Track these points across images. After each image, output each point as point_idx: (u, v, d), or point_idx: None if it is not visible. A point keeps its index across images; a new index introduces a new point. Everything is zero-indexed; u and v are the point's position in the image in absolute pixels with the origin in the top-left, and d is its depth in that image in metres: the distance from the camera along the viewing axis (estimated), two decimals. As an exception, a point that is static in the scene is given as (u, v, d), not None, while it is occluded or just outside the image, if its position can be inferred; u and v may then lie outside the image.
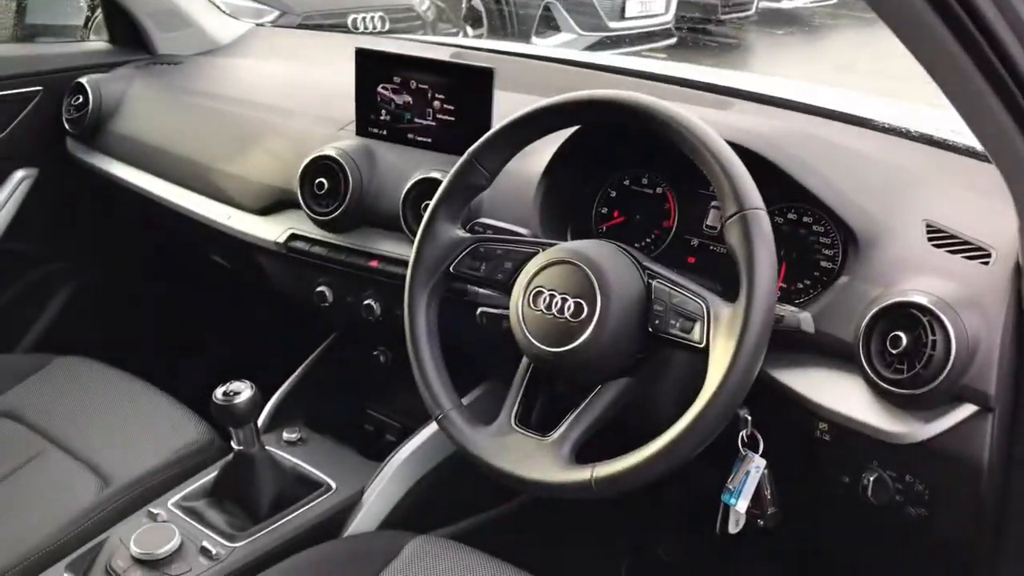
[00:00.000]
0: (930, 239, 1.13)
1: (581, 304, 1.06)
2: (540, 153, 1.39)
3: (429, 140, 1.49)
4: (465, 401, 1.44)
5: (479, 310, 1.27)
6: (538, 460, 1.05)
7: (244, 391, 1.30)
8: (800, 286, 1.24)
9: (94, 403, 1.65)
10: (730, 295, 1.03)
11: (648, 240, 1.37)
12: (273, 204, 1.56)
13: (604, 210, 1.41)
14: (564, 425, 1.07)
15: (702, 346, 1.00)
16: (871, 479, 1.09)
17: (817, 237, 1.23)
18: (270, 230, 1.56)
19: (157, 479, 1.45)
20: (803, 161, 1.21)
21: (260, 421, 1.54)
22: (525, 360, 1.13)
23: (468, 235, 1.20)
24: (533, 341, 1.08)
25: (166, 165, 1.72)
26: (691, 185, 1.33)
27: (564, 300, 1.07)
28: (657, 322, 1.05)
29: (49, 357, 1.77)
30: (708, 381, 0.97)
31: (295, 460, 1.46)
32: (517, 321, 1.10)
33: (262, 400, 1.55)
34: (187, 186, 1.69)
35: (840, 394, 1.11)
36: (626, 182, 1.40)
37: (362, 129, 1.54)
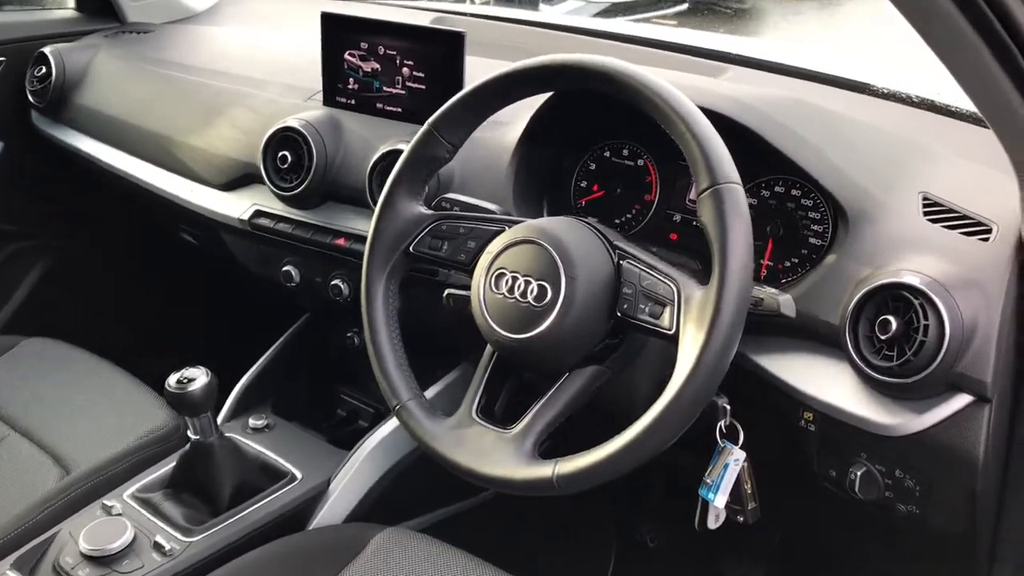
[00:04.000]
0: (926, 214, 1.04)
1: (545, 287, 0.98)
2: (514, 123, 1.30)
3: (399, 110, 1.41)
4: (436, 389, 1.39)
5: (446, 292, 1.20)
6: (498, 454, 0.98)
7: (199, 378, 1.23)
8: (788, 264, 1.15)
9: (60, 387, 1.59)
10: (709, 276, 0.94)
11: (629, 215, 1.29)
12: (238, 179, 1.49)
13: (584, 184, 1.33)
14: (527, 417, 1.00)
15: (671, 333, 0.92)
16: (858, 473, 1.02)
17: (806, 212, 1.15)
18: (234, 206, 1.48)
19: (118, 468, 1.39)
20: (791, 130, 1.12)
21: (226, 407, 1.49)
22: (489, 347, 1.05)
23: (430, 212, 1.12)
24: (494, 327, 1.01)
25: (131, 139, 1.64)
26: (673, 157, 1.24)
27: (527, 283, 0.99)
28: (626, 306, 0.97)
29: (16, 339, 1.72)
30: (676, 371, 0.89)
31: (259, 448, 1.39)
32: (478, 305, 1.03)
33: (221, 386, 1.50)
34: (152, 160, 1.61)
35: (826, 382, 1.03)
36: (606, 153, 1.31)
37: (329, 99, 1.45)
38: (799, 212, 1.15)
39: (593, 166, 1.32)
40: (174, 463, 1.32)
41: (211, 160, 1.52)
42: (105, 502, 1.28)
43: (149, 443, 1.42)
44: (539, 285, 0.98)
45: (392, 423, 1.39)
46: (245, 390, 1.50)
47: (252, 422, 1.45)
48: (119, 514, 1.25)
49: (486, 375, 1.05)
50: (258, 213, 1.45)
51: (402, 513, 1.36)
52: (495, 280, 1.01)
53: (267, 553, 1.19)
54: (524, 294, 0.99)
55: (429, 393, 1.36)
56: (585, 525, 1.69)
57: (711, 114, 1.05)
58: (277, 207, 1.44)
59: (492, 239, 1.05)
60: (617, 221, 1.30)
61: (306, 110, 1.43)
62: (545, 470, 0.94)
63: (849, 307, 0.98)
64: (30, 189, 1.87)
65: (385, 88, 1.41)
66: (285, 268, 1.45)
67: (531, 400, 1.02)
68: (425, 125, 1.09)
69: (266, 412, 1.49)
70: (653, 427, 0.89)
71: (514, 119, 1.31)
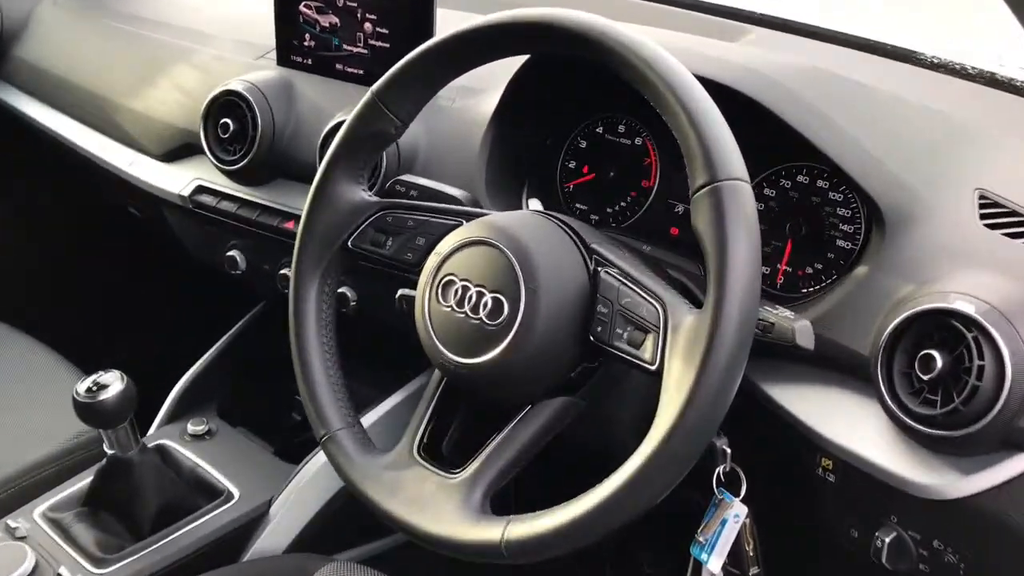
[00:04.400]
0: (983, 216, 0.84)
1: (500, 301, 0.78)
2: (490, 90, 1.10)
3: (360, 71, 1.21)
4: (381, 409, 1.20)
5: (399, 293, 1.00)
6: (439, 506, 0.80)
7: (113, 384, 1.05)
8: (810, 271, 0.95)
9: (1, 377, 1.43)
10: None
11: (623, 203, 1.09)
12: (178, 148, 1.30)
13: (572, 164, 1.13)
14: (477, 460, 0.81)
15: (653, 368, 0.73)
16: (887, 539, 0.82)
17: (834, 209, 0.94)
18: (175, 180, 1.30)
19: (37, 476, 1.23)
20: (818, 110, 0.91)
21: (164, 408, 1.32)
22: (437, 371, 0.86)
23: (373, 200, 0.93)
24: (440, 347, 0.82)
25: (71, 100, 1.46)
26: (677, 136, 1.04)
27: (480, 294, 0.80)
28: (599, 329, 0.77)
29: None
30: (658, 418, 0.70)
31: (195, 460, 1.22)
32: (422, 318, 0.83)
33: (166, 383, 1.33)
34: (93, 125, 1.42)
35: (851, 423, 0.83)
36: (599, 129, 1.11)
37: (283, 58, 1.26)
38: (825, 208, 0.94)
39: (583, 144, 1.12)
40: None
41: (150, 127, 1.33)
42: (9, 522, 1.11)
43: (76, 447, 1.26)
44: (494, 298, 0.79)
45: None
46: (186, 390, 1.33)
47: (191, 427, 1.28)
48: (22, 537, 1.09)
49: (432, 404, 0.86)
50: (200, 189, 1.26)
51: (353, 540, 1.19)
52: (442, 289, 0.82)
53: (188, 591, 1.03)
54: (476, 308, 0.79)
55: (372, 416, 1.18)
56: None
57: (718, 88, 0.84)
58: (222, 183, 1.25)
59: (443, 237, 0.86)
60: (609, 210, 1.10)
61: (256, 70, 1.24)
62: (492, 532, 0.75)
63: (883, 336, 0.77)
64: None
65: (345, 46, 1.21)
66: (230, 253, 1.26)
67: (486, 437, 0.83)
68: (367, 94, 0.89)
69: (210, 416, 1.31)
70: (629, 488, 0.70)
71: (490, 85, 1.11)
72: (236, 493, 1.17)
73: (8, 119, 1.55)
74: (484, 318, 0.79)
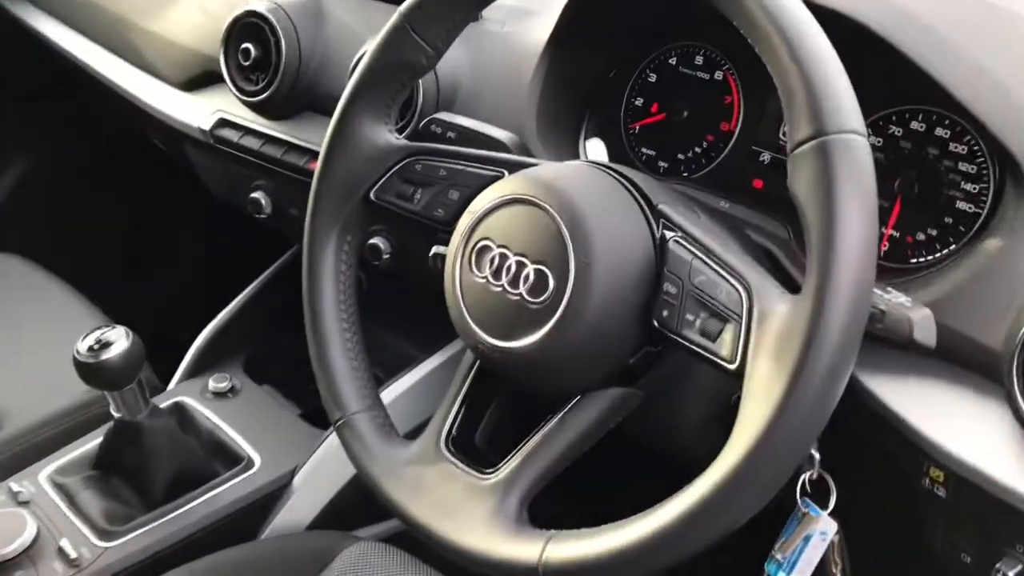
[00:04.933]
0: None
1: (545, 274, 0.64)
2: (545, 12, 0.95)
3: (400, -8, 1.05)
4: (406, 382, 1.08)
5: (432, 250, 0.87)
6: (467, 512, 0.67)
7: (118, 342, 0.95)
8: (922, 237, 0.79)
9: (17, 316, 1.35)
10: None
11: (697, 150, 0.93)
12: (200, 76, 1.17)
13: (639, 101, 0.97)
14: (515, 458, 0.68)
15: (733, 367, 0.58)
16: (1011, 572, 0.67)
17: (955, 163, 0.77)
18: (196, 112, 1.17)
19: (47, 433, 1.14)
20: (943, 39, 0.74)
21: (185, 361, 1.21)
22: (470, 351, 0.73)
23: (400, 143, 0.78)
24: (472, 325, 0.68)
25: (93, 22, 1.34)
26: (766, 71, 0.87)
27: (520, 264, 0.66)
28: (666, 313, 0.63)
29: None
30: (738, 431, 0.56)
31: (214, 420, 1.12)
32: (452, 289, 0.70)
33: (191, 332, 1.22)
34: (112, 49, 1.30)
35: (970, 429, 0.68)
36: (672, 60, 0.95)
37: (314, -25, 1.11)
38: (945, 162, 0.78)
39: (653, 77, 0.96)
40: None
41: (170, 52, 1.20)
42: (12, 485, 1.02)
43: (91, 401, 1.17)
44: (537, 270, 0.65)
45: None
46: (210, 341, 1.22)
47: (213, 384, 1.17)
48: (25, 502, 1.00)
49: (463, 388, 0.73)
50: (222, 122, 1.14)
51: (380, 513, 1.07)
52: (475, 255, 0.68)
53: (199, 570, 0.93)
54: (515, 281, 0.66)
55: (397, 388, 1.05)
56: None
57: (817, 8, 0.68)
58: (245, 116, 1.12)
59: (481, 191, 0.72)
60: (681, 157, 0.94)
61: (282, -11, 1.09)
62: (530, 549, 0.62)
63: (1021, 331, 0.62)
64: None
65: (381, -39, 1.05)
66: (254, 195, 1.14)
67: (526, 430, 0.69)
68: (394, 16, 0.75)
69: (234, 371, 1.20)
70: (699, 513, 0.57)
71: (545, 7, 0.96)
72: (257, 460, 1.07)
73: (31, 41, 1.44)
74: (525, 294, 0.65)
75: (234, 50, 1.07)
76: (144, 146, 1.41)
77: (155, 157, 1.41)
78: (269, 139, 1.09)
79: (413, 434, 0.76)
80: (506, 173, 0.74)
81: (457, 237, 0.70)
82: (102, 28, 1.30)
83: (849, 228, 0.53)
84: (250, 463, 1.06)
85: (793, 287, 0.75)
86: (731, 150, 0.91)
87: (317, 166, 0.79)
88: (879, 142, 0.81)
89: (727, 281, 0.60)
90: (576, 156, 0.96)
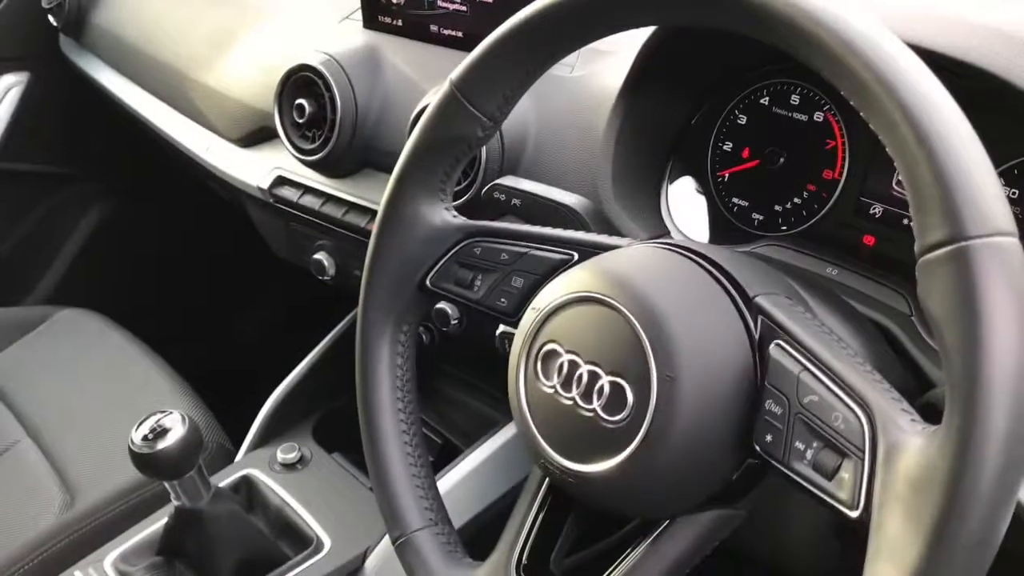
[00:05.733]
0: None
1: (622, 388, 0.55)
2: (620, 53, 0.86)
3: (459, 34, 0.98)
4: (474, 459, 0.99)
5: (499, 329, 0.78)
6: None
7: (174, 428, 0.89)
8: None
9: (86, 378, 1.33)
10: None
11: (797, 200, 0.82)
12: (256, 132, 1.11)
13: (727, 146, 0.86)
14: (601, 589, 0.59)
15: (855, 515, 0.48)
16: None
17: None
18: (253, 169, 1.11)
19: (122, 506, 1.10)
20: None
21: (252, 431, 1.16)
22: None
23: (458, 222, 0.70)
24: (541, 442, 0.59)
25: (147, 71, 1.29)
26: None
27: (594, 375, 0.56)
28: (769, 438, 0.53)
29: (51, 310, 1.46)
30: None
31: (283, 496, 1.06)
32: (516, 397, 0.61)
33: (256, 397, 1.17)
34: (168, 101, 1.25)
35: None
36: (764, 100, 0.84)
37: (370, 19, 1.04)
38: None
39: (743, 119, 0.85)
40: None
41: (225, 106, 1.14)
42: (77, 574, 0.98)
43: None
44: (612, 383, 0.55)
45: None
46: (277, 408, 1.16)
47: (281, 455, 1.11)
48: (90, 594, 0.95)
49: (535, 504, 0.64)
50: (280, 180, 1.07)
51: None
52: (541, 360, 0.59)
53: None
54: (588, 394, 0.56)
55: (462, 469, 0.97)
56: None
57: (935, 58, 0.57)
58: (305, 173, 1.05)
59: (547, 278, 0.63)
60: (778, 208, 0.83)
61: (337, 38, 1.03)
62: None
63: None
64: (67, 127, 1.56)
65: (440, 2, 0.97)
66: (317, 256, 1.07)
67: (611, 558, 0.60)
68: (444, 85, 0.66)
69: (303, 438, 1.14)
70: None
71: (620, 46, 0.86)
72: (327, 542, 1.00)
73: (94, 91, 1.41)
74: (600, 410, 0.56)
75: (288, 107, 1.01)
76: (213, 201, 1.36)
77: (218, 209, 1.36)
78: (329, 198, 1.03)
79: (480, 542, 0.68)
80: (575, 256, 0.65)
81: (520, 338, 0.61)
82: (160, 81, 1.26)
83: (1002, 358, 0.42)
84: (319, 545, 1.00)
85: (920, 376, 0.64)
86: (836, 202, 0.80)
87: (368, 250, 0.71)
88: (1015, 194, 0.69)
89: (844, 403, 0.49)
90: (658, 212, 0.86)
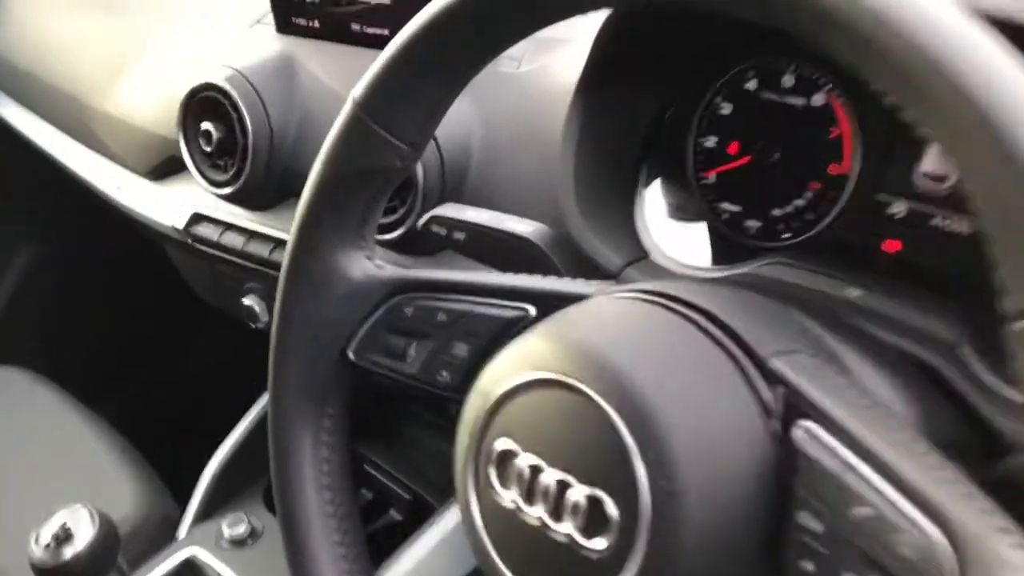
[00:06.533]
0: None
1: (601, 503, 0.41)
2: (573, 40, 0.72)
3: (385, 32, 0.83)
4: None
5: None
6: None
7: (81, 531, 0.75)
8: None
9: (12, 444, 1.19)
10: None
11: (799, 202, 0.68)
12: (166, 162, 0.96)
13: (710, 143, 0.72)
14: None
15: None
16: None
17: None
18: (167, 206, 0.97)
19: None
20: None
21: (194, 503, 1.01)
22: None
23: (384, 275, 0.55)
24: (500, 566, 0.45)
25: (45, 101, 1.14)
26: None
27: (563, 485, 0.42)
28: (810, 568, 0.39)
29: None
30: None
31: (232, 582, 0.92)
32: (467, 510, 0.47)
33: (198, 460, 1.03)
34: (71, 134, 1.10)
35: None
36: (750, 85, 0.70)
37: (283, 23, 0.89)
38: None
39: (726, 109, 0.71)
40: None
41: (129, 137, 0.99)
42: None
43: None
44: (590, 497, 0.41)
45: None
46: (223, 471, 1.02)
47: (228, 530, 0.97)
48: None
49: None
50: (197, 218, 0.93)
51: None
52: (495, 465, 0.45)
53: None
54: (557, 511, 0.42)
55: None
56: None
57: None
58: (224, 207, 0.91)
59: (497, 343, 0.49)
60: (776, 213, 0.69)
61: (247, 47, 0.88)
62: None
63: None
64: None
65: (359, -2, 0.83)
66: (247, 301, 0.92)
67: None
68: (345, 107, 0.52)
69: (252, 505, 1.00)
70: None
71: (575, 33, 0.72)
72: (283, 635, 0.86)
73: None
74: (576, 533, 0.41)
75: (194, 133, 0.86)
76: (141, 239, 1.21)
77: (140, 250, 1.21)
78: (253, 235, 0.88)
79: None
80: (531, 311, 0.50)
81: (466, 430, 0.46)
82: (60, 110, 1.11)
83: None
84: (275, 639, 0.86)
85: (975, 423, 0.51)
86: (848, 202, 0.66)
87: (274, 317, 0.56)
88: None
89: (912, 521, 0.35)
90: (633, 229, 0.72)
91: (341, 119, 0.52)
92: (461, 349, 0.52)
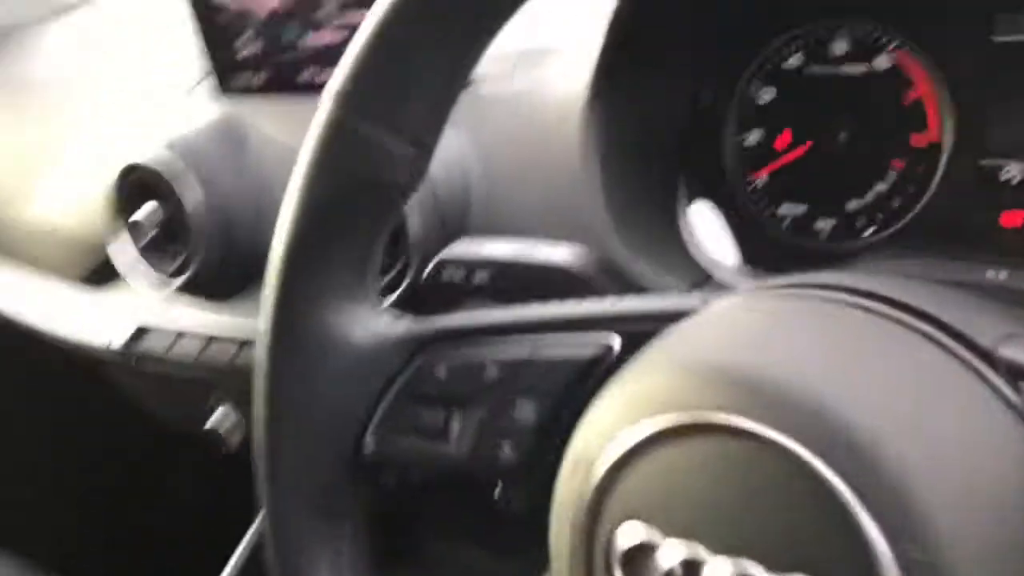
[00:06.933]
0: None
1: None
2: (564, 50, 0.59)
3: (343, 75, 0.70)
4: None
5: (499, 487, 0.49)
6: None
7: None
8: None
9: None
10: None
11: (881, 187, 0.56)
12: (100, 267, 0.81)
13: (754, 137, 0.60)
14: None
15: None
16: None
17: None
18: (102, 321, 0.81)
19: None
20: None
21: None
22: None
23: (401, 329, 0.41)
24: None
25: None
26: (970, 38, 0.51)
27: None
28: None
29: None
30: None
31: None
32: None
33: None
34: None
35: None
36: (793, 61, 0.58)
37: (225, 82, 0.76)
38: None
39: (769, 94, 0.59)
40: None
41: (56, 240, 0.84)
42: None
43: None
44: None
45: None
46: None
47: None
48: None
49: None
50: (140, 333, 0.77)
51: None
52: (621, 566, 0.30)
53: None
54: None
55: None
56: None
57: None
58: (172, 311, 0.76)
59: (578, 395, 0.34)
60: (853, 206, 0.57)
61: (186, 116, 0.74)
62: None
63: None
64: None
65: (306, 34, 0.70)
66: (211, 424, 0.76)
67: None
68: (325, 103, 0.38)
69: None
70: None
71: (564, 35, 0.60)
72: None
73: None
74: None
75: (127, 225, 0.71)
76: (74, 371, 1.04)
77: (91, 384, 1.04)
78: (212, 339, 0.73)
79: None
80: (615, 345, 0.36)
81: (564, 524, 0.31)
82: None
83: None
84: None
85: None
86: (944, 175, 0.53)
87: (258, 415, 0.41)
88: None
89: None
90: (683, 252, 0.58)
91: (317, 127, 0.38)
92: (526, 410, 0.37)
